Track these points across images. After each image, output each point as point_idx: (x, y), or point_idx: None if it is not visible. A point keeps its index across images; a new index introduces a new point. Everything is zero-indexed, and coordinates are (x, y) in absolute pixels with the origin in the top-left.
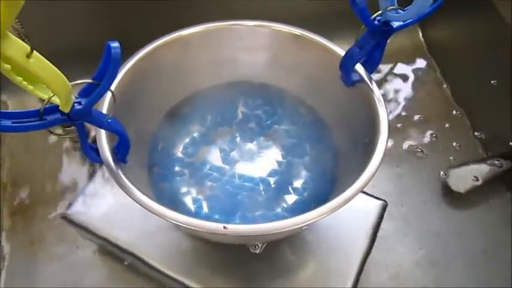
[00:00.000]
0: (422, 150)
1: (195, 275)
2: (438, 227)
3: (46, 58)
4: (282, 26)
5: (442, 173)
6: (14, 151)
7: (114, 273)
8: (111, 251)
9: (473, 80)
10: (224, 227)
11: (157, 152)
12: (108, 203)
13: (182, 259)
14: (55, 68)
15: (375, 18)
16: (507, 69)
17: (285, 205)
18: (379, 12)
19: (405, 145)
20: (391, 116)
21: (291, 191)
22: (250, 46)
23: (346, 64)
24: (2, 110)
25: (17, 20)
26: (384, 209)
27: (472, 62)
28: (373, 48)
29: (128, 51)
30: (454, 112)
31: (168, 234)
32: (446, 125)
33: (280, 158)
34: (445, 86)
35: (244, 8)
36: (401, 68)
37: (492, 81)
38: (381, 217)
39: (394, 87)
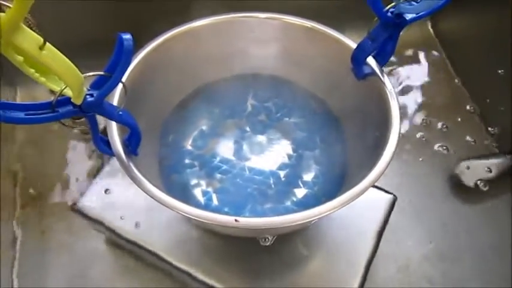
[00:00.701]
0: (433, 144)
1: (204, 267)
2: (447, 220)
3: (58, 50)
4: (293, 19)
5: (452, 166)
6: (25, 143)
7: (122, 264)
8: (119, 242)
9: (485, 73)
10: (236, 220)
11: (167, 144)
12: (117, 195)
13: (191, 251)
14: (67, 60)
15: (387, 10)
16: None
17: (294, 199)
18: (393, 4)
19: (416, 138)
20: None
21: (301, 185)
22: (261, 38)
23: (358, 57)
24: (15, 102)
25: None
26: (393, 203)
27: (484, 55)
28: (385, 40)
29: (138, 44)
30: (466, 105)
31: (177, 226)
32: (458, 119)
33: (290, 151)
34: (456, 80)
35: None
36: (411, 61)
37: (499, 71)
38: (390, 211)
39: (405, 81)
